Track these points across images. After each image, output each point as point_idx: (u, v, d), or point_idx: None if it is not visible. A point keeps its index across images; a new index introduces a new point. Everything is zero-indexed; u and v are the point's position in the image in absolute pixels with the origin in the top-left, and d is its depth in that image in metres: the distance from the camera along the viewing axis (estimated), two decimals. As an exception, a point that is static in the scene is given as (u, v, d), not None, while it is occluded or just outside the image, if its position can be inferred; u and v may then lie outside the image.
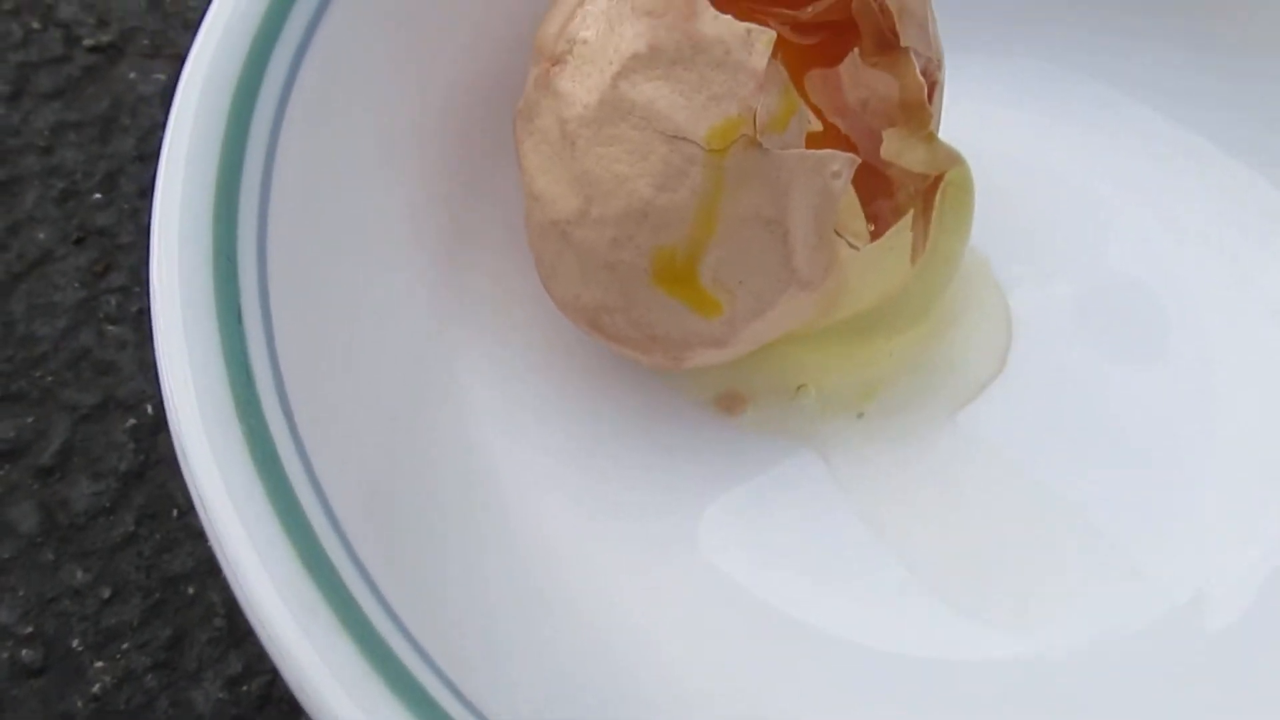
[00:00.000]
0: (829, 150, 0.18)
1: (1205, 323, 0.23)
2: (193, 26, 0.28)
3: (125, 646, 0.22)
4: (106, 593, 0.23)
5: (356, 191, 0.19)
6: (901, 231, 0.20)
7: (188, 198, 0.16)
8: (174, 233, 0.16)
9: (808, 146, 0.19)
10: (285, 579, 0.14)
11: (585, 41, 0.18)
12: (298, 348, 0.16)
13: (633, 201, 0.18)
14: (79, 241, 0.26)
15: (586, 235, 0.18)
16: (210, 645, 0.22)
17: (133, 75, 0.29)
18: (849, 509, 0.21)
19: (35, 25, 0.29)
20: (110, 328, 0.26)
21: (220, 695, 0.22)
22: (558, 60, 0.18)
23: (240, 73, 0.18)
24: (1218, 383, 0.22)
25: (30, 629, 0.22)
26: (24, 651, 0.22)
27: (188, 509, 0.24)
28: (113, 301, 0.26)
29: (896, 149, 0.19)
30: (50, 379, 0.25)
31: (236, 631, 0.22)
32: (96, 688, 0.22)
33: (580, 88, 0.18)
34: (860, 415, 0.22)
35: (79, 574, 0.23)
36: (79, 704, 0.22)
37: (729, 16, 0.17)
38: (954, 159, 0.20)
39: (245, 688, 0.22)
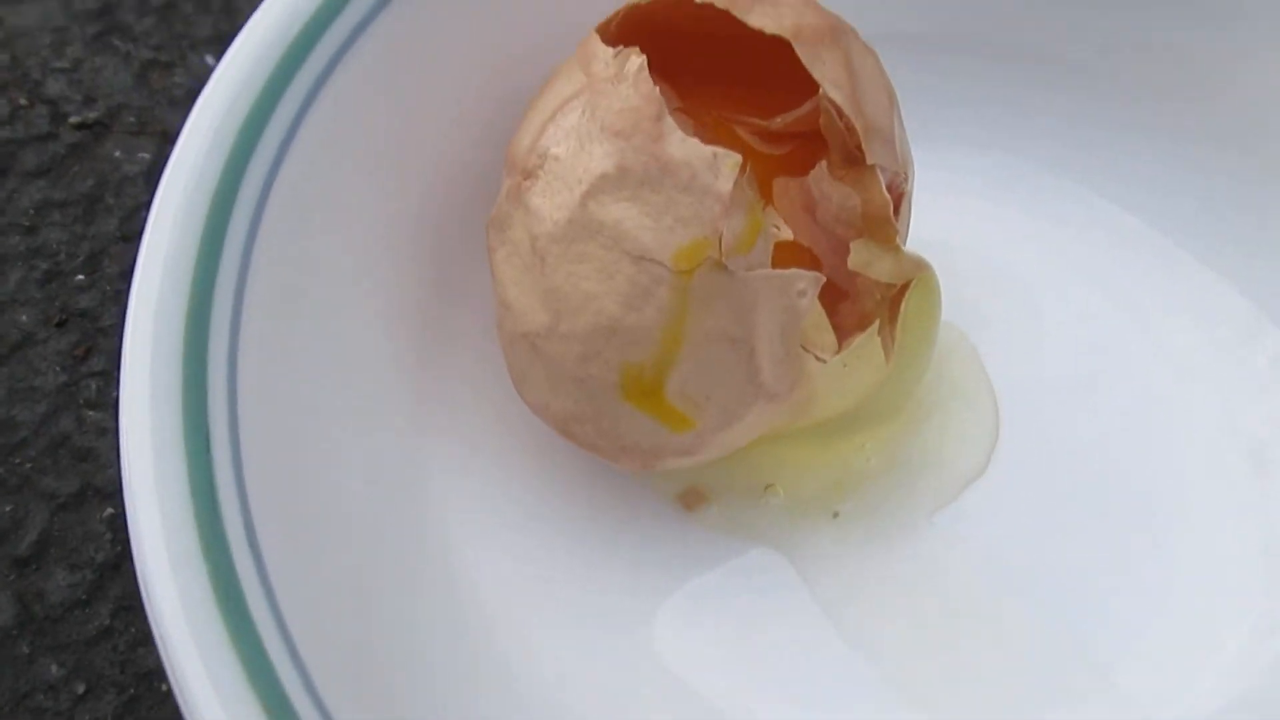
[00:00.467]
0: (794, 270, 0.18)
1: (1185, 428, 0.23)
2: (179, 103, 0.28)
3: (98, 745, 0.22)
4: (81, 688, 0.23)
5: (328, 304, 0.19)
6: (869, 340, 0.20)
7: (160, 319, 0.16)
8: (145, 352, 0.16)
9: (775, 255, 0.19)
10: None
11: (556, 158, 0.18)
12: (266, 473, 0.16)
13: (600, 319, 0.18)
14: (61, 324, 0.26)
15: (555, 349, 0.18)
16: (183, 746, 0.22)
17: (118, 154, 0.29)
18: (817, 614, 0.21)
19: (23, 101, 0.29)
20: (90, 413, 0.26)
21: (191, 798, 0.22)
22: (529, 174, 0.19)
23: (216, 186, 0.18)
24: (1197, 487, 0.22)
25: (3, 727, 0.22)
26: (-4, 750, 0.22)
27: (164, 602, 0.24)
28: (93, 386, 0.26)
29: (863, 259, 0.20)
30: (29, 466, 0.25)
31: (209, 732, 0.22)
32: (68, 789, 0.22)
33: (550, 204, 0.18)
34: (835, 515, 0.22)
35: (54, 668, 0.23)
36: (50, 806, 0.21)
37: (695, 140, 0.17)
38: (920, 266, 0.20)
39: (217, 791, 0.22)
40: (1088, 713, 0.20)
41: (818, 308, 0.19)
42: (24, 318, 0.26)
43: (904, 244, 0.20)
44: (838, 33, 0.19)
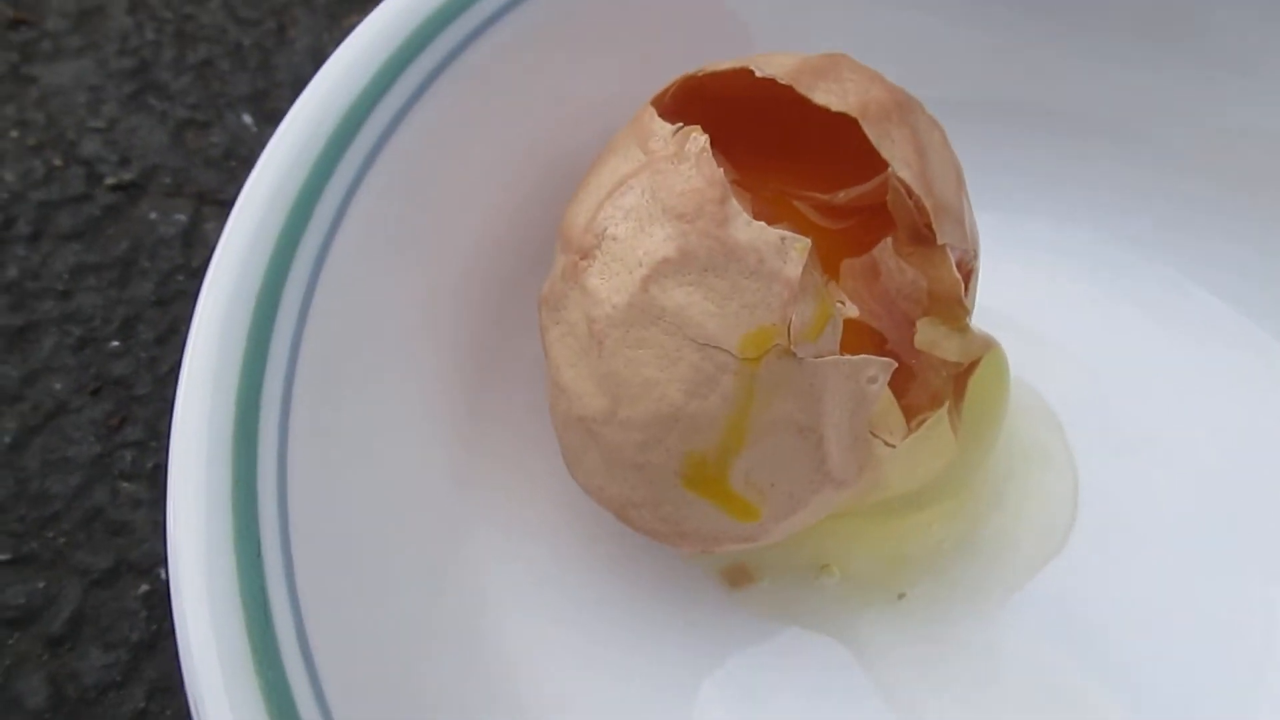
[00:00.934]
0: (865, 356, 0.17)
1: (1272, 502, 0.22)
2: (215, 164, 0.28)
3: (133, 838, 0.21)
4: (115, 776, 0.22)
5: (376, 388, 0.19)
6: (939, 422, 0.19)
7: (210, 423, 0.15)
8: (196, 459, 0.15)
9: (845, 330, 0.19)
10: None
11: (615, 239, 0.18)
12: (317, 578, 0.16)
13: (662, 406, 0.17)
14: (95, 392, 0.26)
15: (614, 435, 0.18)
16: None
17: (153, 215, 0.28)
18: (879, 705, 0.20)
19: (58, 162, 0.29)
20: (125, 485, 0.25)
21: None
22: (586, 254, 0.18)
23: (262, 279, 0.17)
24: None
25: (35, 818, 0.21)
26: (28, 844, 0.21)
27: (200, 684, 0.23)
28: (128, 457, 0.25)
29: (930, 339, 0.19)
30: (62, 540, 0.24)
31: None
32: None
33: (608, 286, 0.17)
34: (901, 596, 0.21)
35: (87, 754, 0.22)
36: None
37: (762, 224, 0.17)
38: (987, 344, 0.19)
39: None
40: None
41: (886, 390, 0.18)
42: (58, 386, 0.26)
43: (971, 317, 0.19)
44: (905, 108, 0.19)
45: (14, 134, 0.29)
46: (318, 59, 0.31)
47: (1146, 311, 0.23)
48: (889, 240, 0.19)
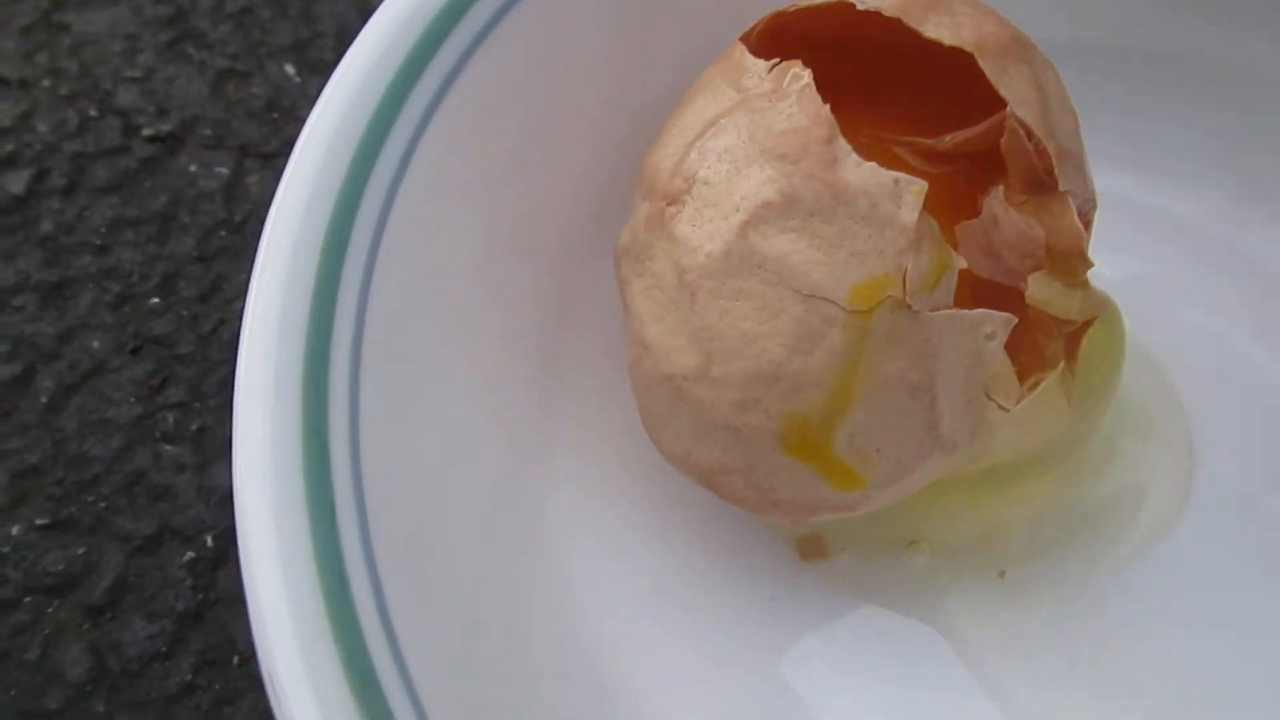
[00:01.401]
0: (983, 310, 0.16)
1: None
2: (256, 115, 0.26)
3: (181, 816, 0.20)
4: (161, 751, 0.21)
5: (441, 342, 0.17)
6: (1052, 386, 0.18)
7: (278, 375, 0.14)
8: (262, 412, 0.14)
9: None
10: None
11: (707, 182, 0.16)
12: (393, 541, 0.14)
13: (762, 363, 0.16)
14: (135, 351, 0.25)
15: (706, 394, 0.16)
16: (274, 820, 0.20)
17: (193, 168, 0.27)
18: (969, 690, 0.19)
19: (93, 112, 0.28)
20: (167, 448, 0.24)
21: None
22: (674, 200, 0.17)
23: (331, 216, 0.16)
24: None
25: (79, 795, 0.20)
26: (72, 821, 0.20)
27: (250, 656, 0.22)
28: (170, 419, 0.24)
29: (1044, 296, 0.18)
30: (103, 505, 0.23)
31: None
32: None
33: (701, 234, 0.16)
34: (1002, 574, 0.20)
35: (131, 728, 0.21)
36: None
37: (873, 164, 0.15)
38: (1104, 303, 0.18)
39: None
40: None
41: (1001, 351, 0.17)
42: (96, 344, 0.25)
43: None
44: (1021, 44, 0.17)
45: (46, 83, 0.28)
46: (362, 8, 0.29)
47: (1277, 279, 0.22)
48: (999, 189, 0.18)
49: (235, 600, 0.22)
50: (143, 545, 0.23)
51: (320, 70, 0.28)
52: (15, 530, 0.23)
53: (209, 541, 0.23)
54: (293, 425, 0.14)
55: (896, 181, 0.15)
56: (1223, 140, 0.22)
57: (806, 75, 0.16)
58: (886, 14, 0.17)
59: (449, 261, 0.18)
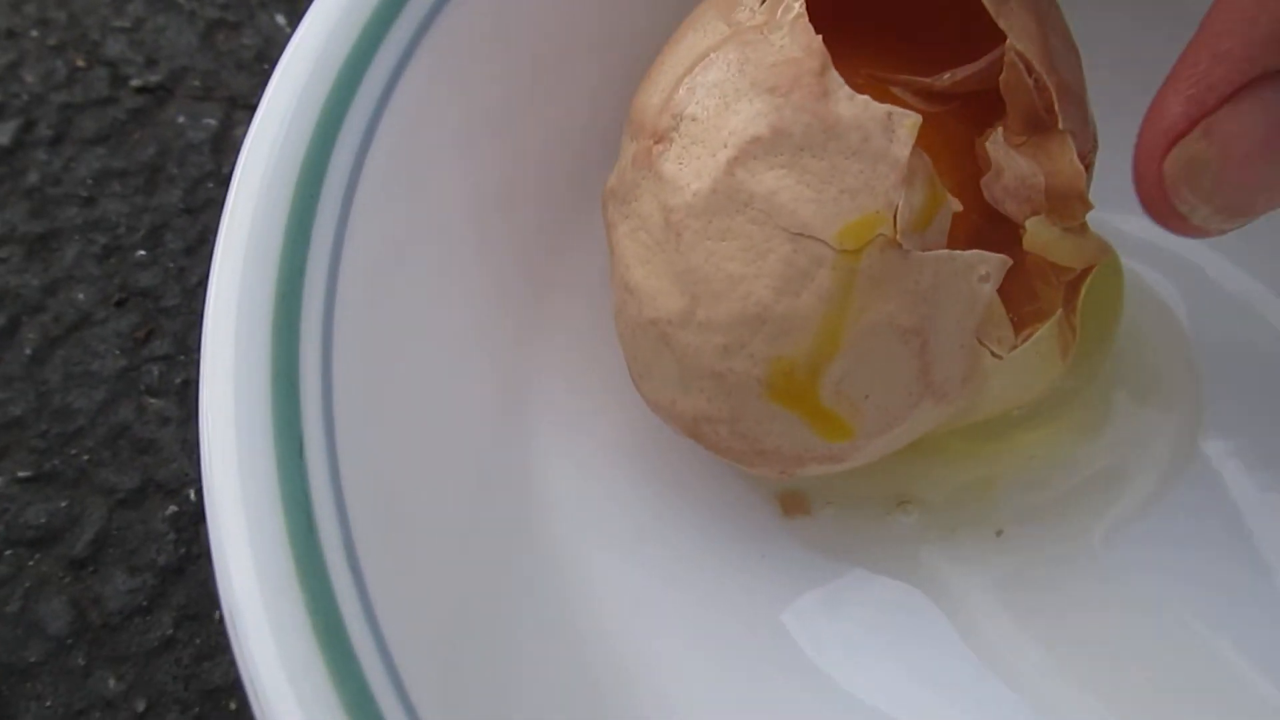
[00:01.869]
0: (977, 251, 0.15)
1: None
2: (246, 67, 0.26)
3: (160, 771, 0.20)
4: (141, 705, 0.21)
5: (423, 291, 0.17)
6: (1048, 335, 0.17)
7: (244, 314, 0.13)
8: (228, 352, 0.13)
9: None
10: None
11: (694, 118, 0.16)
12: (364, 481, 0.14)
13: (748, 305, 0.15)
14: (120, 304, 0.24)
15: (691, 339, 0.16)
16: (253, 774, 0.20)
17: (181, 119, 0.27)
18: (963, 652, 0.18)
19: (80, 63, 0.27)
20: (151, 401, 0.23)
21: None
22: (661, 138, 0.16)
23: (303, 160, 0.15)
24: None
25: (57, 747, 0.20)
26: (49, 774, 0.20)
27: (231, 611, 0.21)
28: (154, 371, 0.24)
29: (1042, 241, 0.17)
30: (86, 458, 0.23)
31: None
32: (127, 819, 0.20)
33: (688, 171, 0.15)
34: (999, 533, 0.19)
35: (111, 682, 0.21)
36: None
37: (866, 97, 0.15)
38: (1104, 249, 0.17)
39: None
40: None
41: (995, 296, 0.16)
42: (81, 296, 0.24)
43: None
44: None
45: (34, 33, 0.27)
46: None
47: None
48: (999, 130, 0.17)
49: (218, 555, 0.22)
50: (125, 499, 0.22)
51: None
52: (-3, 482, 0.22)
53: (192, 496, 0.22)
54: (261, 366, 0.14)
55: (890, 115, 0.15)
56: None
57: (799, 5, 0.15)
58: None
59: (430, 206, 0.18)
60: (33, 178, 0.26)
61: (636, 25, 0.19)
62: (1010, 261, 0.16)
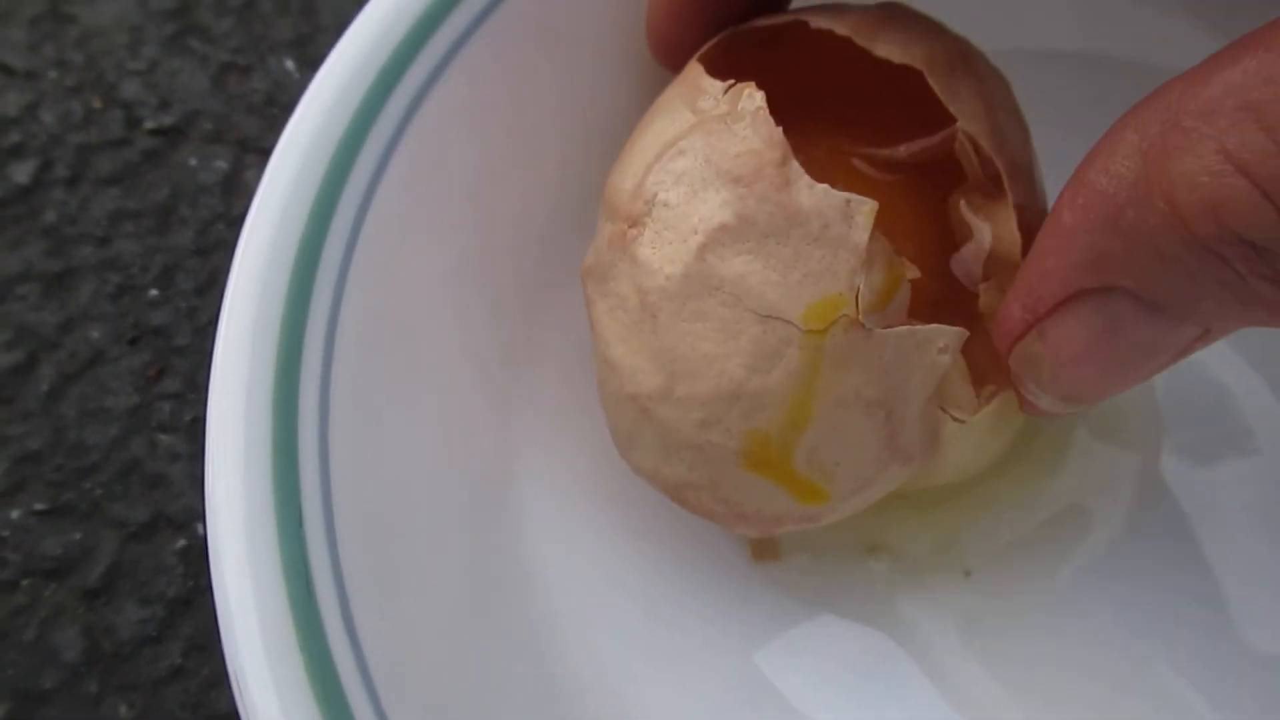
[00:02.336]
0: (936, 326, 0.16)
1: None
2: (256, 110, 0.27)
3: (167, 795, 0.21)
4: (150, 732, 0.22)
5: (410, 356, 0.18)
6: (1006, 398, 0.18)
7: (250, 386, 0.15)
8: (235, 424, 0.14)
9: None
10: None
11: (666, 205, 0.17)
12: (361, 549, 0.15)
13: (722, 383, 0.16)
14: (133, 341, 0.26)
15: (670, 414, 0.17)
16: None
17: (193, 161, 0.28)
18: (929, 693, 0.19)
19: (97, 104, 0.28)
20: (162, 437, 0.25)
21: None
22: (635, 222, 0.17)
23: (303, 233, 0.16)
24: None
25: (70, 771, 0.21)
26: (63, 797, 0.21)
27: (236, 642, 0.23)
28: (166, 409, 0.25)
29: (994, 305, 0.18)
30: (99, 491, 0.24)
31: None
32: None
33: (661, 256, 0.17)
34: (968, 574, 0.20)
35: (122, 709, 0.22)
36: None
37: (825, 186, 0.16)
38: None
39: None
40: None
41: (959, 362, 0.17)
42: (95, 334, 0.26)
43: None
44: (970, 59, 0.18)
45: (53, 74, 0.28)
46: (362, 2, 0.30)
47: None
48: (962, 200, 0.18)
49: (224, 588, 0.23)
50: (137, 532, 0.24)
51: (319, 66, 0.29)
52: (15, 515, 0.23)
53: (200, 530, 0.24)
54: (263, 438, 0.15)
55: (848, 202, 0.16)
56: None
57: (759, 97, 0.16)
58: (839, 33, 0.17)
59: (418, 277, 0.19)
60: (50, 217, 0.27)
61: (611, 106, 0.20)
62: (966, 334, 0.17)
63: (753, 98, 0.16)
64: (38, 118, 0.28)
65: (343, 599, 0.14)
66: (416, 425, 0.18)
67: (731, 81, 0.17)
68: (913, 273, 0.18)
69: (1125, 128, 0.13)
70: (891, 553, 0.21)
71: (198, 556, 0.23)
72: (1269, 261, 0.12)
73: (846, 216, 0.16)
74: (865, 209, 0.16)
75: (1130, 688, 0.19)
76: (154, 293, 0.26)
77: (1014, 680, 0.20)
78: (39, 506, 0.24)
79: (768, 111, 0.16)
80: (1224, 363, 0.22)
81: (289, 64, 0.29)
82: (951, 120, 0.17)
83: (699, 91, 0.17)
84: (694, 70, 0.18)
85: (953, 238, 0.19)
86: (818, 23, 0.17)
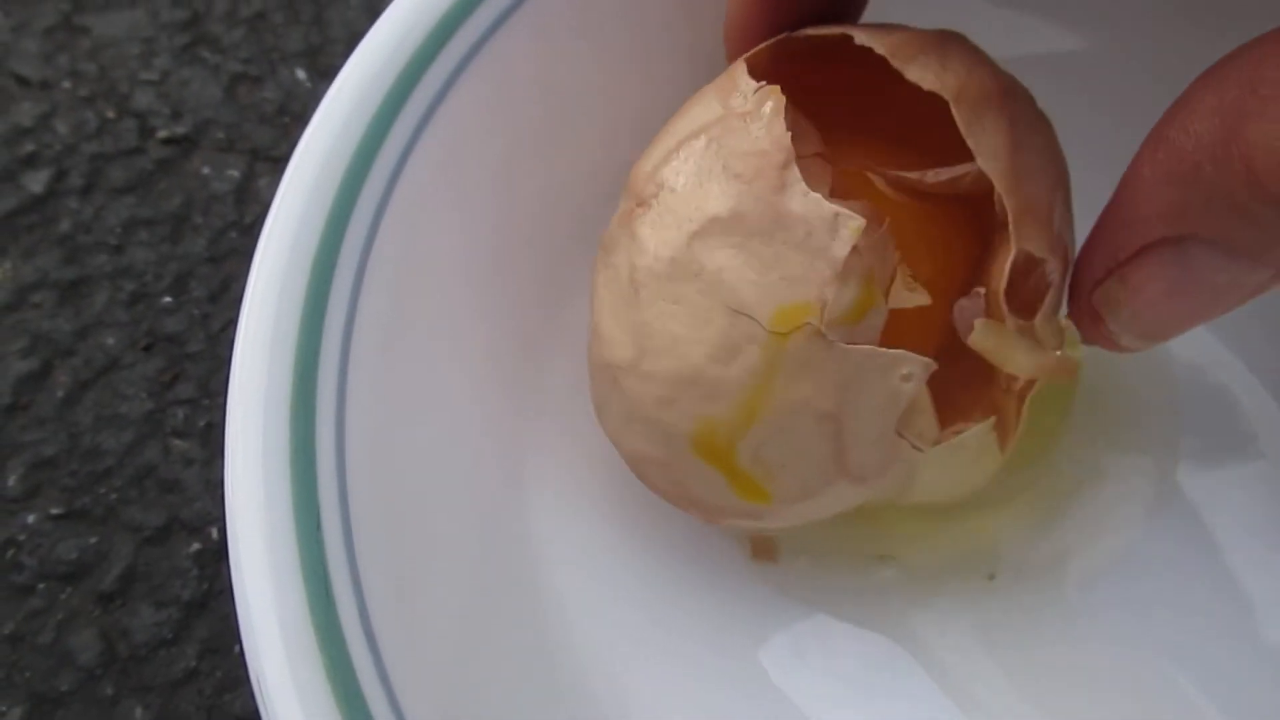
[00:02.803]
0: (902, 351, 0.16)
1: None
2: (268, 120, 0.27)
3: (183, 796, 0.22)
4: (165, 733, 0.22)
5: (426, 357, 0.18)
6: (982, 435, 0.18)
7: (268, 389, 0.15)
8: (254, 429, 0.15)
9: (908, 320, 0.18)
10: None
11: (673, 190, 0.17)
12: (378, 552, 0.15)
13: (683, 366, 0.17)
14: (148, 348, 0.26)
15: (635, 386, 0.17)
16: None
17: (206, 170, 0.28)
18: (948, 703, 0.20)
19: (110, 114, 0.29)
20: (176, 442, 0.25)
21: None
22: (643, 202, 0.17)
23: (319, 240, 0.17)
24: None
25: (87, 773, 0.22)
26: (81, 798, 0.21)
27: (250, 645, 0.23)
28: (180, 414, 0.25)
29: (989, 344, 0.17)
30: (115, 496, 0.24)
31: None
32: (153, 843, 0.21)
33: (657, 238, 0.17)
34: (991, 577, 0.20)
35: (138, 711, 0.22)
36: None
37: (818, 196, 0.16)
38: (1063, 368, 0.18)
39: None
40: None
41: (923, 391, 0.17)
42: (110, 341, 0.26)
43: (1051, 339, 0.18)
44: (1009, 96, 0.17)
45: (66, 85, 0.29)
46: (373, 13, 0.30)
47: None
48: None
49: (238, 591, 0.23)
50: (152, 536, 0.24)
51: (331, 75, 0.29)
52: (31, 519, 0.24)
53: (214, 534, 0.24)
54: (281, 442, 0.15)
55: (836, 215, 0.16)
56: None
57: (778, 101, 0.17)
58: (877, 51, 0.17)
59: (441, 268, 0.19)
60: (65, 225, 0.27)
61: (638, 104, 0.20)
62: (934, 365, 0.16)
63: (771, 101, 0.17)
64: (52, 128, 0.28)
65: (360, 602, 0.15)
66: (432, 429, 0.18)
67: (763, 83, 0.17)
68: (921, 300, 0.18)
69: (1205, 88, 0.14)
70: (899, 560, 0.21)
71: (212, 560, 0.24)
72: None
73: (832, 228, 0.16)
74: (852, 225, 0.16)
75: (1146, 695, 0.19)
76: (167, 300, 0.26)
77: (1023, 683, 0.20)
78: (55, 511, 0.24)
79: (783, 116, 0.16)
80: (1232, 371, 0.22)
81: (300, 74, 0.29)
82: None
83: (734, 88, 0.17)
84: (737, 67, 0.18)
85: (981, 271, 0.19)
86: (862, 39, 0.17)
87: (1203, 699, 0.19)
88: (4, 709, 0.22)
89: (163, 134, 0.28)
